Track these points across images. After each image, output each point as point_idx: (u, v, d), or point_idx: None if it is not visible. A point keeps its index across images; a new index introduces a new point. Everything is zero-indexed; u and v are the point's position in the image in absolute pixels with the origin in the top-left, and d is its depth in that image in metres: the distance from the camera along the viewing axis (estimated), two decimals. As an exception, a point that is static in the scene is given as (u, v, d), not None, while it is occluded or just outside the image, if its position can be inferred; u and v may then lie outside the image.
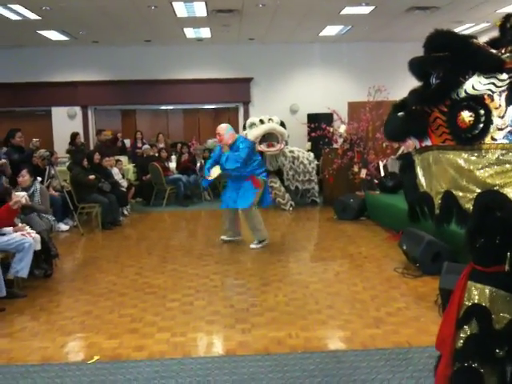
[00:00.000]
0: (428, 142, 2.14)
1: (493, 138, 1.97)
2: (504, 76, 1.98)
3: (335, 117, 9.67)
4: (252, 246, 6.66)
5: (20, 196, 5.60)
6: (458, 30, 10.67)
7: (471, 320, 2.17)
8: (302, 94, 12.53)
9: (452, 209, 2.10)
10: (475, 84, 1.99)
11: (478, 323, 2.14)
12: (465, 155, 2.02)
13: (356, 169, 9.02)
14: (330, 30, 11.01)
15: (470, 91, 1.99)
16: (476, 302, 2.17)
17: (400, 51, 12.13)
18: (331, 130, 9.49)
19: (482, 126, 1.96)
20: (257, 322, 4.17)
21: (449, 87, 2.03)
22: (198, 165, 11.09)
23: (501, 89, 1.98)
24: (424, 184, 2.23)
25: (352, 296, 4.81)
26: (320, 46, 12.62)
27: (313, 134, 9.72)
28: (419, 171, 2.26)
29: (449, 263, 4.45)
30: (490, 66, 1.99)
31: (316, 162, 10.01)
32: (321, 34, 11.31)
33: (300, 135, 11.54)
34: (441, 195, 2.13)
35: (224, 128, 6.68)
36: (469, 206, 2.02)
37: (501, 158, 1.96)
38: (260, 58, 12.46)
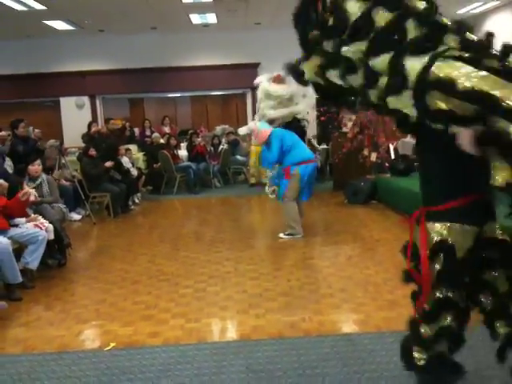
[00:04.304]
0: None
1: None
2: None
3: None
4: (280, 234, 6.42)
5: (30, 192, 5.61)
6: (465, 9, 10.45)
7: (439, 255, 2.44)
8: (311, 79, 12.39)
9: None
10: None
11: (445, 256, 2.41)
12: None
13: (366, 152, 8.95)
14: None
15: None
16: (440, 238, 2.43)
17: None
18: (340, 114, 9.41)
19: None
20: (270, 307, 4.18)
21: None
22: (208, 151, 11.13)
23: None
24: None
25: (365, 279, 4.81)
26: (327, 28, 12.46)
27: (322, 118, 9.66)
28: None
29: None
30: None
31: (325, 146, 9.96)
32: (328, 16, 11.15)
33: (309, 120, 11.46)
34: None
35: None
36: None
37: None
38: (267, 42, 12.31)
